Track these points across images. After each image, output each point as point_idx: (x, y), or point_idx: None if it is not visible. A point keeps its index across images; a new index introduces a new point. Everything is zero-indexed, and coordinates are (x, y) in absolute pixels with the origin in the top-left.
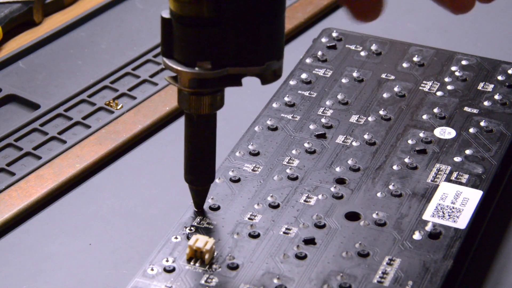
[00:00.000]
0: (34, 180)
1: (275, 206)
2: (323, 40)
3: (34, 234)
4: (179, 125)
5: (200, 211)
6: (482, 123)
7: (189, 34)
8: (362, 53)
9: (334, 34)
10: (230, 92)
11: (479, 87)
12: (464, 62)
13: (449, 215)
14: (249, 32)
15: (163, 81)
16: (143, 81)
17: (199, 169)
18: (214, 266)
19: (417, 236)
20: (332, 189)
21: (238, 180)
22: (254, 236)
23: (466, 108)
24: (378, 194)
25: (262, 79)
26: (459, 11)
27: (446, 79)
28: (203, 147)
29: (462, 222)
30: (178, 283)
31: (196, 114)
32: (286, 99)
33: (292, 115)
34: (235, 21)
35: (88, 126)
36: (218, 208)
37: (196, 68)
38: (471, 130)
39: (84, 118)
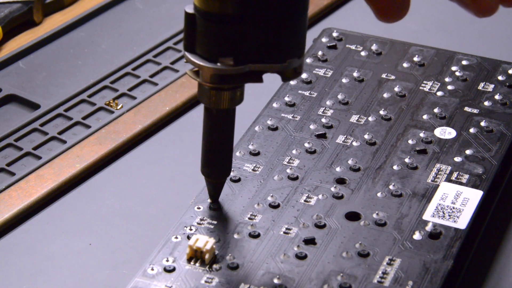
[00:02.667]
0: (34, 180)
1: (275, 206)
2: (324, 40)
3: (34, 234)
4: (179, 125)
5: (215, 204)
6: (482, 123)
7: (213, 30)
8: (363, 53)
9: (335, 34)
10: None
11: (480, 87)
12: (464, 62)
13: (449, 215)
14: (271, 29)
15: (163, 81)
16: (143, 81)
17: (216, 163)
18: (214, 266)
19: (417, 236)
20: (332, 189)
21: (238, 180)
22: (254, 236)
23: (466, 108)
24: (378, 194)
25: (283, 76)
26: (483, 14)
27: (447, 79)
28: (221, 141)
29: (462, 222)
30: (178, 283)
31: (215, 109)
32: (286, 99)
33: (292, 115)
34: (258, 19)
35: (88, 126)
36: (218, 208)
37: (218, 64)
38: (472, 130)
39: (84, 118)
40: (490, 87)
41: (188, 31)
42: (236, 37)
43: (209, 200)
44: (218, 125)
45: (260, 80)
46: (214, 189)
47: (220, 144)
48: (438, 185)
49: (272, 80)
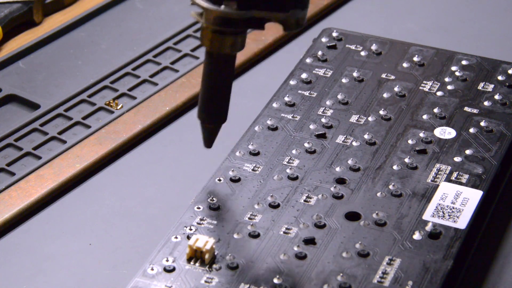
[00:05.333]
0: (34, 180)
1: (275, 206)
2: (323, 40)
3: (34, 234)
4: (179, 125)
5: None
6: (482, 123)
7: None
8: (362, 53)
9: (334, 34)
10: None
11: (479, 87)
12: (464, 62)
13: (449, 215)
14: None
15: (163, 81)
16: (143, 81)
17: (213, 108)
18: (214, 266)
19: (417, 236)
20: (332, 189)
21: (238, 180)
22: (254, 236)
23: (466, 108)
24: (378, 194)
25: (285, 26)
26: None
27: (446, 79)
28: (219, 87)
29: (462, 222)
30: (178, 283)
31: (216, 53)
32: (286, 99)
33: (292, 115)
34: None
35: (88, 126)
36: (218, 208)
37: (222, 7)
38: (471, 130)
39: (84, 118)
40: (490, 87)
41: None
42: None
43: (204, 146)
44: (218, 70)
45: (262, 27)
46: (209, 135)
47: (217, 90)
48: (438, 185)
49: (272, 80)
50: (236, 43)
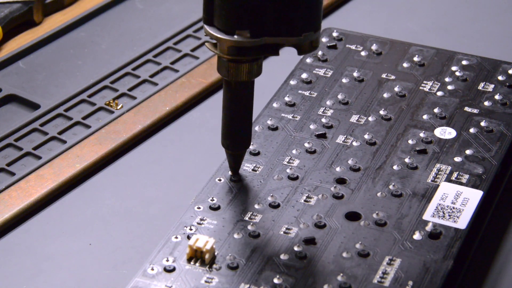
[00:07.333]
0: (34, 180)
1: (275, 206)
2: (324, 40)
3: (34, 234)
4: (179, 125)
5: (235, 176)
6: (482, 123)
7: (229, 3)
8: (363, 53)
9: (335, 34)
10: None
11: (480, 87)
12: (464, 62)
13: (449, 215)
14: (287, 3)
15: (163, 81)
16: (143, 81)
17: (236, 135)
18: (214, 266)
19: (417, 236)
20: (332, 189)
21: (238, 180)
22: (254, 236)
23: (466, 108)
24: (378, 194)
25: (299, 50)
26: None
27: (447, 79)
28: (240, 113)
29: (462, 222)
30: (178, 283)
31: (234, 81)
32: (286, 99)
33: (292, 115)
34: None
35: (88, 126)
36: (218, 208)
37: (235, 36)
38: (472, 130)
39: (84, 118)
40: (490, 87)
41: (207, 4)
42: (252, 10)
43: (229, 173)
44: (237, 97)
45: (276, 53)
46: (234, 161)
47: (239, 116)
48: (438, 185)
49: (272, 80)
50: (252, 70)
